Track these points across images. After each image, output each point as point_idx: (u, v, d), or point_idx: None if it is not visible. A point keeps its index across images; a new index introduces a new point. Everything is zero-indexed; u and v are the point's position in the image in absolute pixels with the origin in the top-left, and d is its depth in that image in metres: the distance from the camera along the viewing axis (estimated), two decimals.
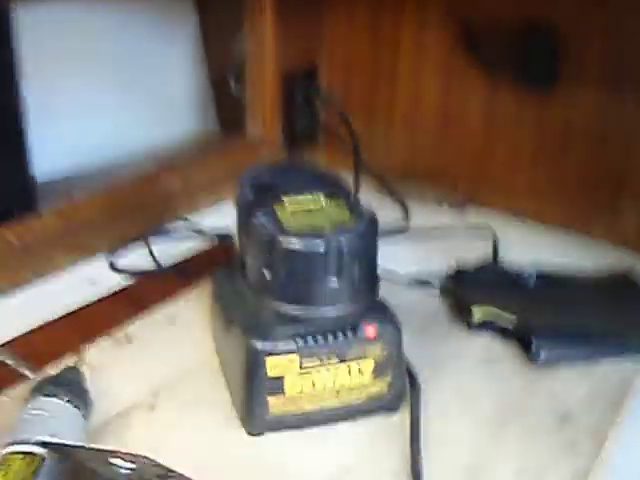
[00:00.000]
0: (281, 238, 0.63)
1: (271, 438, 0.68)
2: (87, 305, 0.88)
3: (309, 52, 1.22)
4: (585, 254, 1.03)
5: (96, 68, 1.16)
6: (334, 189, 0.71)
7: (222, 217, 1.09)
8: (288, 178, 0.75)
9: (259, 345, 0.65)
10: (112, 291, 0.91)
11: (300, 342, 0.65)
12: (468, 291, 0.90)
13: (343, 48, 1.22)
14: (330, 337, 0.66)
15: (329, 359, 0.66)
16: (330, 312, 0.65)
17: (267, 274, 0.65)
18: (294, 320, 0.65)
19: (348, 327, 0.67)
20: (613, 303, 0.91)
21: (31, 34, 0.99)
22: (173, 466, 0.57)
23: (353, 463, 0.65)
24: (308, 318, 0.65)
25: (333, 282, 0.64)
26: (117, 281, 0.94)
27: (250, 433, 0.68)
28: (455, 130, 1.16)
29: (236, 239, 0.75)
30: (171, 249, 1.01)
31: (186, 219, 1.07)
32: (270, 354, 0.65)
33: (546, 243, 1.07)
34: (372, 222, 0.66)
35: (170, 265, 0.97)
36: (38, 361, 0.77)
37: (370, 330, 0.67)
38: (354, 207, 0.68)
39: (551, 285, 0.94)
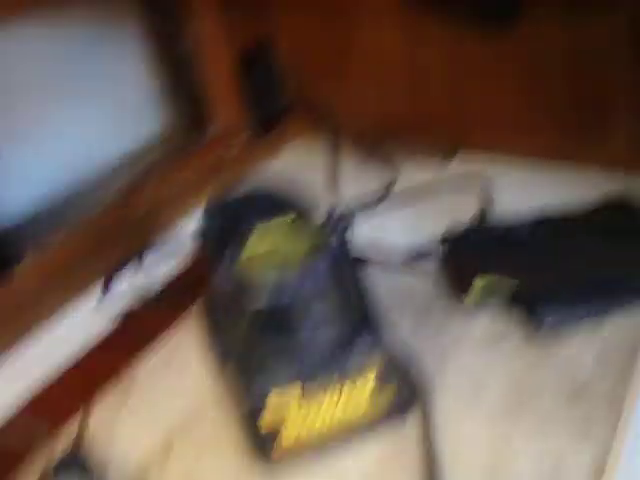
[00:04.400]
0: (249, 292, 0.62)
1: (289, 467, 0.67)
2: (84, 353, 0.87)
3: (260, 28, 1.16)
4: (579, 184, 1.00)
5: (48, 90, 1.13)
6: (298, 213, 0.69)
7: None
8: (251, 206, 0.72)
9: (258, 383, 0.64)
10: (106, 330, 0.90)
11: (297, 373, 0.64)
12: (464, 261, 0.87)
13: (297, 16, 1.17)
14: (326, 361, 0.65)
15: (330, 382, 0.65)
16: (320, 339, 0.64)
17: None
18: (286, 352, 0.64)
19: (342, 348, 0.65)
20: (614, 237, 0.88)
21: None
22: None
23: (374, 475, 0.65)
24: (300, 350, 0.64)
25: (315, 314, 0.62)
26: (109, 317, 0.92)
27: (266, 467, 0.67)
28: (425, 78, 1.11)
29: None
30: (155, 269, 0.99)
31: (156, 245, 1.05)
32: (269, 391, 0.64)
33: (538, 180, 1.04)
34: (341, 245, 0.64)
35: (158, 289, 0.95)
36: (49, 420, 0.76)
37: (364, 345, 0.66)
38: (320, 231, 0.66)
39: (548, 231, 0.91)
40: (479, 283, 0.81)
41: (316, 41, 1.17)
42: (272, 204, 0.74)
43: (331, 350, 0.65)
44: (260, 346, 0.65)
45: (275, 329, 0.64)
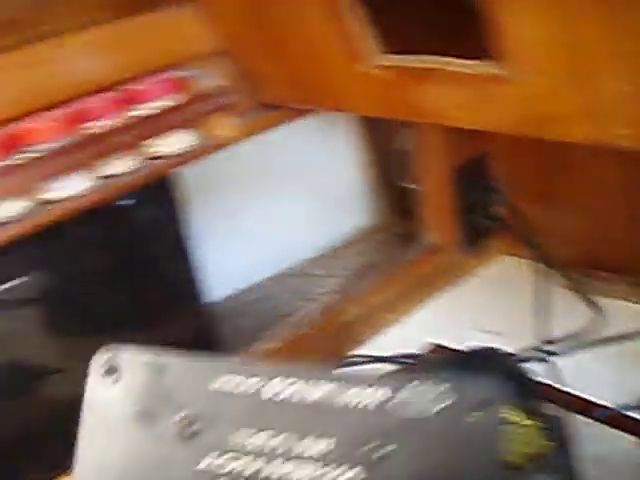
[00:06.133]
0: None
1: None
2: None
3: (478, 145, 1.17)
4: None
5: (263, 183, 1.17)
6: (524, 392, 0.69)
7: (403, 339, 1.08)
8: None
9: None
10: None
11: None
12: None
13: (514, 139, 1.16)
14: None
15: None
16: None
17: None
18: None
19: None
20: None
21: None
22: None
23: None
24: None
25: None
26: None
27: None
28: None
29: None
30: None
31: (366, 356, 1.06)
32: None
33: None
34: (566, 444, 0.64)
35: None
36: None
37: None
38: (548, 428, 0.66)
39: None
40: None
41: (530, 165, 1.16)
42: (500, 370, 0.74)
43: None
44: None
45: None
